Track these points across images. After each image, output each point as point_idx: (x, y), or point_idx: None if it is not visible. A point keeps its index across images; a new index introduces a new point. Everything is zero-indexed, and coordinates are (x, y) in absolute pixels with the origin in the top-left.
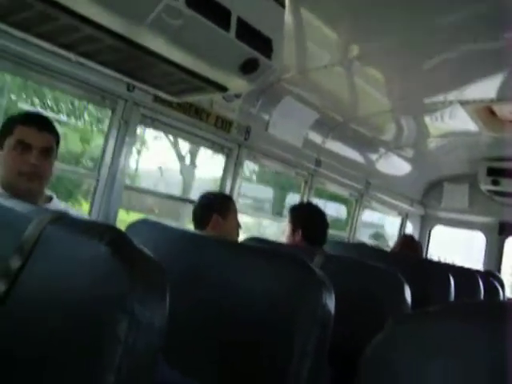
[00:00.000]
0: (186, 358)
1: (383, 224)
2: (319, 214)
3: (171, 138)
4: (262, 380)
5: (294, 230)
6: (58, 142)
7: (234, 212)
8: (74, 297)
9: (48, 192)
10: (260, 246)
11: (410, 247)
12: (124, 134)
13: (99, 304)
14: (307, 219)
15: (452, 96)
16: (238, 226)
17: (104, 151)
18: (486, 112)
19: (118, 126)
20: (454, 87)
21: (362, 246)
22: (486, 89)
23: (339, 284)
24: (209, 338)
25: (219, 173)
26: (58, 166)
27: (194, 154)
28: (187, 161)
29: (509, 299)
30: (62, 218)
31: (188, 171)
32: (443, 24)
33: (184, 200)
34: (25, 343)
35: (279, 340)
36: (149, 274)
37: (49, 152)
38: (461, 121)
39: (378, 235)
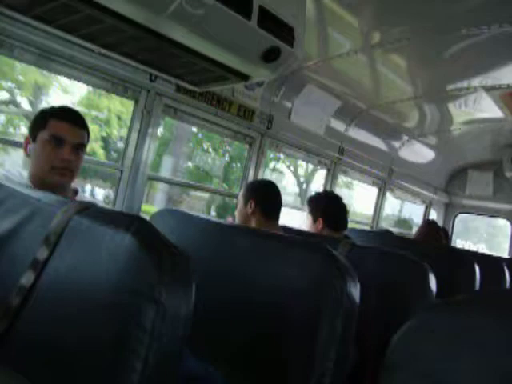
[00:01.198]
0: (211, 348)
1: (407, 211)
2: (337, 201)
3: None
4: (287, 368)
5: (314, 220)
6: (88, 138)
7: (247, 198)
8: (101, 287)
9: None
10: (284, 235)
11: (434, 235)
12: (147, 124)
13: (126, 293)
14: (326, 207)
15: (476, 82)
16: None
17: (127, 142)
18: (511, 98)
19: (140, 117)
20: (477, 73)
21: (386, 235)
22: (510, 74)
23: (364, 272)
24: (234, 327)
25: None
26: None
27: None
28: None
29: None
30: (87, 209)
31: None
32: (466, 8)
33: (207, 190)
34: (54, 333)
35: (304, 328)
36: (175, 264)
37: (81, 147)
38: (485, 107)
39: (402, 222)
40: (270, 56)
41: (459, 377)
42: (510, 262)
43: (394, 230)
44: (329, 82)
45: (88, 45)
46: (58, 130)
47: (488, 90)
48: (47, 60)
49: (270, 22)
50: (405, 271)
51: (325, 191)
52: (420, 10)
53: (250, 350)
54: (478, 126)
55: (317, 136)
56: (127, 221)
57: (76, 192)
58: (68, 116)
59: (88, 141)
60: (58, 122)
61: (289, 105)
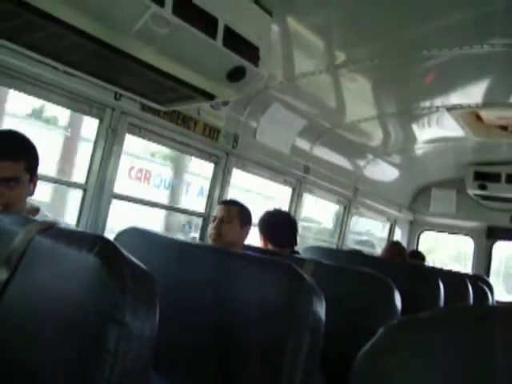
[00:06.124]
0: (176, 367)
1: (371, 230)
2: (280, 217)
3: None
4: None
5: (260, 236)
6: (30, 161)
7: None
8: (64, 308)
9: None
10: (250, 254)
11: (398, 253)
12: (112, 142)
13: (89, 314)
14: (267, 223)
15: (438, 102)
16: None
17: (91, 160)
18: (472, 117)
19: (105, 135)
20: (440, 93)
21: (351, 253)
22: (471, 94)
23: (329, 291)
24: (200, 347)
25: None
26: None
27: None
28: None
29: (497, 303)
30: (50, 229)
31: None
32: (428, 31)
33: (173, 209)
34: (14, 355)
35: (270, 347)
36: (139, 284)
37: (12, 181)
38: (447, 126)
39: (366, 241)
40: (236, 75)
41: None
42: (474, 278)
43: (359, 248)
44: (294, 101)
45: (52, 62)
46: None
47: (450, 109)
48: (9, 77)
49: (236, 42)
50: (370, 289)
51: (274, 209)
52: (383, 31)
53: (216, 369)
54: (441, 144)
55: (282, 155)
56: (90, 241)
57: (37, 210)
58: None
59: (33, 164)
60: None
61: (254, 124)
